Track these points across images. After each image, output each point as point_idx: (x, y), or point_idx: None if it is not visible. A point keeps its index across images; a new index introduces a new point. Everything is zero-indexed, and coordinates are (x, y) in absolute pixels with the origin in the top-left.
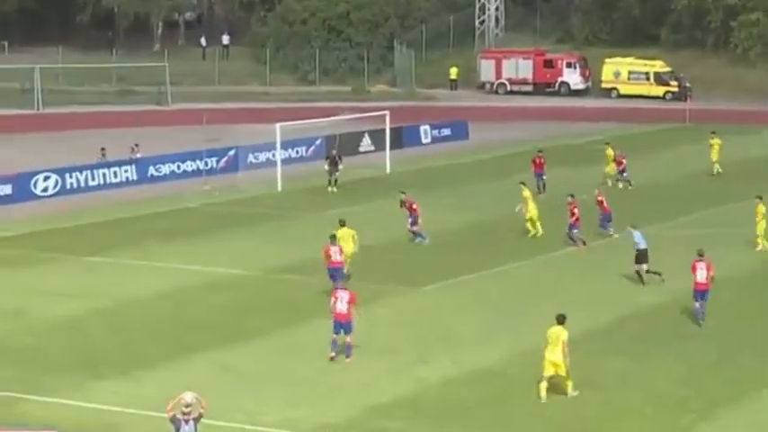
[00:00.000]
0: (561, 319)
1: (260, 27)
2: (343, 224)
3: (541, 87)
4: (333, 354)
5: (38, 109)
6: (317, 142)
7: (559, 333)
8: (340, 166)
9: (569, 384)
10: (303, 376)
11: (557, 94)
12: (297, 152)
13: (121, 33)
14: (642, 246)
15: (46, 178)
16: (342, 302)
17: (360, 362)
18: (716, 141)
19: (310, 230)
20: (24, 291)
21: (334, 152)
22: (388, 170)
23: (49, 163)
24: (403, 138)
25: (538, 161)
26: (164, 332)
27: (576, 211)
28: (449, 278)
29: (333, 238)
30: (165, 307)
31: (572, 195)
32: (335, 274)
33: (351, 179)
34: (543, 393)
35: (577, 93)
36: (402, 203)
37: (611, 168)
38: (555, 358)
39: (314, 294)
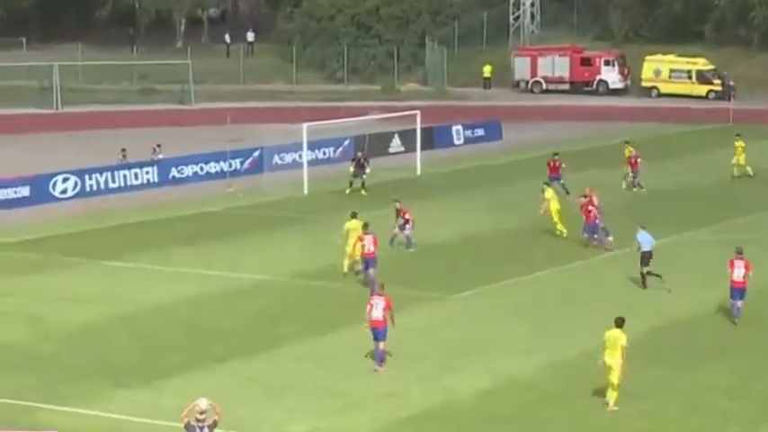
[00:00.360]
0: (620, 323)
1: (286, 23)
2: (354, 216)
3: (578, 86)
4: (383, 363)
5: (57, 108)
6: (346, 143)
7: (618, 337)
8: (367, 169)
9: (613, 396)
10: (330, 386)
11: (594, 93)
12: (324, 153)
13: (143, 30)
14: (646, 248)
15: (65, 180)
16: (377, 309)
17: (390, 371)
18: (740, 144)
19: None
20: (42, 296)
21: (360, 154)
22: (418, 172)
23: (68, 164)
24: (434, 138)
25: (553, 165)
26: (185, 340)
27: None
28: (483, 284)
29: (365, 226)
30: (187, 314)
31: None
32: (369, 263)
33: (380, 181)
34: (611, 400)
35: (616, 92)
36: (397, 213)
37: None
38: (612, 362)
39: (341, 301)
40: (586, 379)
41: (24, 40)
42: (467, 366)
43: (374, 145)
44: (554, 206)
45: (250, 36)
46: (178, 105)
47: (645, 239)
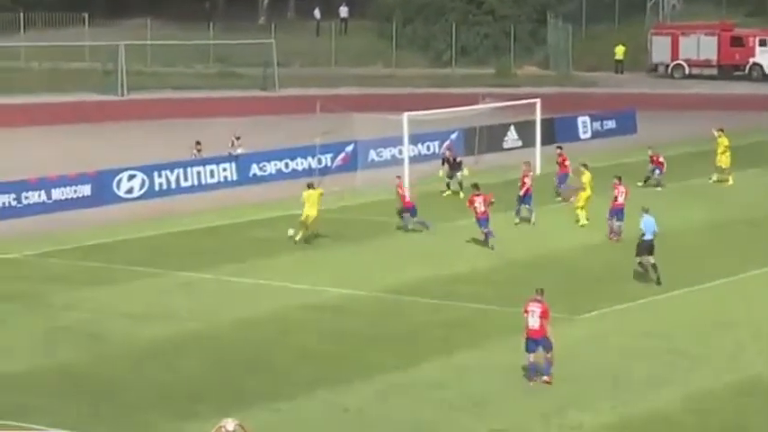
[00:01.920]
0: None
1: None
2: (310, 186)
3: (728, 70)
4: (533, 380)
5: (122, 94)
6: (453, 136)
7: None
8: (464, 169)
9: None
10: (431, 420)
11: (747, 78)
12: (428, 148)
13: (221, 4)
14: (648, 236)
15: (131, 177)
16: (534, 317)
17: (503, 403)
18: (722, 140)
19: (441, 243)
20: (105, 311)
21: (447, 153)
22: (538, 170)
23: (135, 159)
24: (557, 131)
25: (562, 160)
26: (267, 363)
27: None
28: (614, 304)
29: (475, 186)
30: (269, 333)
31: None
32: (482, 222)
33: (493, 182)
34: None
35: None
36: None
37: (722, 161)
38: None
39: (444, 320)
40: (727, 414)
41: (87, 16)
42: (592, 399)
43: (486, 139)
44: (585, 193)
45: (343, 11)
46: (260, 92)
47: (647, 226)
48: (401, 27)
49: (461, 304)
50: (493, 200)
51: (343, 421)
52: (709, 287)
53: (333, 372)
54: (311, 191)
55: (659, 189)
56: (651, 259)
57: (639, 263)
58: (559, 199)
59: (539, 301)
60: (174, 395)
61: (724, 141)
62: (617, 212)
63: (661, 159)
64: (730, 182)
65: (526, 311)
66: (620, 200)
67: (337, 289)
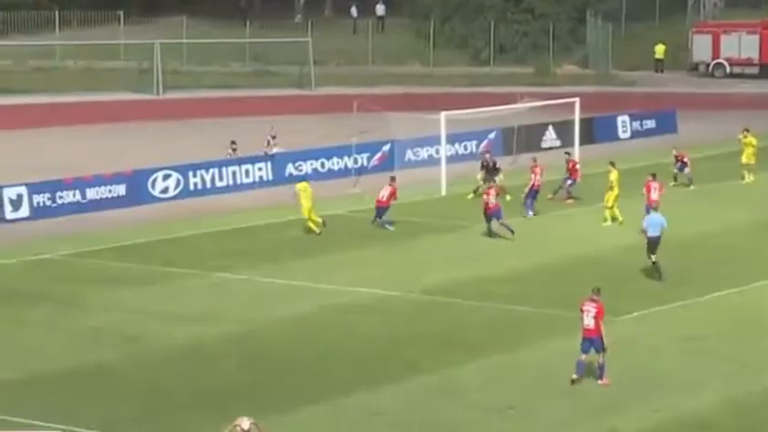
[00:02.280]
0: None
1: None
2: (303, 179)
3: None
4: (575, 376)
5: (158, 93)
6: (491, 136)
7: None
8: (501, 174)
9: None
10: (465, 423)
11: None
12: (465, 148)
13: (257, 2)
14: (651, 233)
15: (166, 177)
16: (589, 316)
17: (537, 406)
18: (749, 140)
19: (479, 244)
20: (141, 312)
21: (487, 155)
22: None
23: (170, 159)
24: (596, 131)
25: (572, 166)
26: (303, 365)
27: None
28: (652, 306)
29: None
30: (304, 335)
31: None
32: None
33: (526, 183)
34: None
35: None
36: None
37: (747, 157)
38: None
39: (480, 322)
40: (766, 419)
41: (122, 13)
42: (629, 403)
43: (525, 138)
44: (613, 193)
45: (380, 9)
46: (296, 90)
47: (651, 224)
48: (439, 25)
49: (496, 305)
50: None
51: (377, 424)
52: (749, 289)
53: (367, 373)
54: (304, 183)
55: (692, 188)
56: (653, 257)
57: (653, 261)
58: (550, 196)
59: (595, 301)
60: (210, 396)
61: (752, 141)
62: (650, 209)
63: (686, 159)
64: (751, 178)
65: (582, 310)
66: (654, 196)
67: (371, 289)
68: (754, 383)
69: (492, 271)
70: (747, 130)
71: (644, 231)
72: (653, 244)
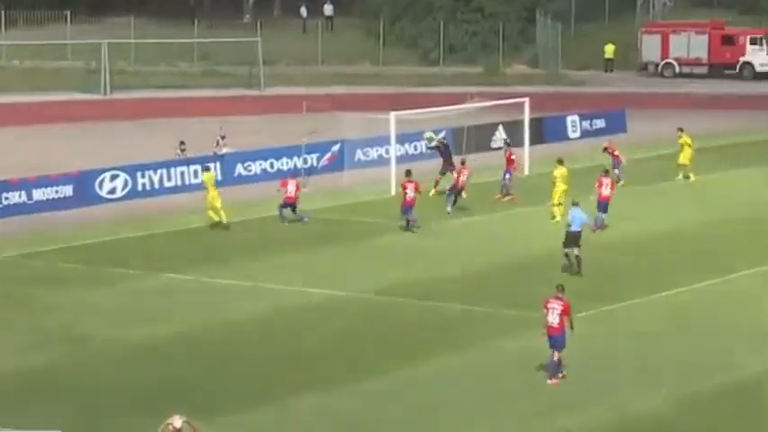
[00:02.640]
0: None
1: None
2: (207, 169)
3: (719, 69)
4: (558, 375)
5: (105, 93)
6: (440, 136)
7: None
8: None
9: None
10: (418, 423)
11: (738, 77)
12: (415, 148)
13: (206, 2)
14: (574, 228)
15: (113, 177)
16: (554, 314)
17: (490, 405)
18: (684, 140)
19: (430, 244)
20: (88, 313)
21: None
22: (526, 171)
23: (118, 159)
24: (545, 131)
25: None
26: (253, 366)
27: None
28: (602, 305)
29: (408, 173)
30: (255, 335)
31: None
32: (407, 209)
33: (480, 182)
34: None
35: (764, 76)
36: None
37: (684, 157)
38: None
39: (434, 322)
40: (723, 417)
41: (69, 13)
42: (583, 403)
43: (474, 139)
44: (561, 187)
45: (327, 9)
46: (245, 90)
47: (575, 218)
48: (389, 25)
49: (448, 305)
50: (420, 189)
51: (326, 424)
52: (699, 288)
53: (318, 374)
54: (210, 173)
55: (621, 184)
56: (576, 251)
57: (566, 254)
58: (498, 196)
59: (559, 299)
60: (158, 397)
61: (687, 141)
62: (601, 204)
63: (617, 153)
64: (692, 178)
65: (546, 308)
66: (605, 192)
67: (328, 290)
68: (704, 382)
69: (444, 271)
70: (682, 130)
71: (568, 225)
72: (573, 238)
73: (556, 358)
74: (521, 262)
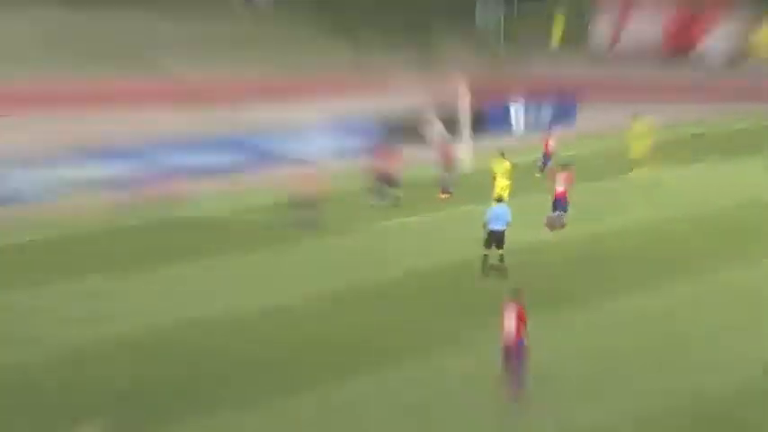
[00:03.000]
0: None
1: None
2: None
3: (675, 52)
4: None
5: None
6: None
7: None
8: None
9: None
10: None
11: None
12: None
13: None
14: (497, 227)
15: None
16: (509, 321)
17: (434, 418)
18: (640, 128)
19: (374, 246)
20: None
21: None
22: (467, 166)
23: None
24: (486, 121)
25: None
26: (184, 381)
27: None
28: (548, 312)
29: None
30: (186, 343)
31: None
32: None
33: (414, 180)
34: None
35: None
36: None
37: (637, 147)
38: None
39: (378, 327)
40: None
41: None
42: (532, 412)
43: (405, 131)
44: (502, 182)
45: None
46: None
47: (496, 215)
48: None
49: (393, 310)
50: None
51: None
52: (655, 293)
53: (274, 379)
54: None
55: (538, 176)
56: (499, 251)
57: (484, 256)
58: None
59: (515, 304)
60: (97, 402)
61: (640, 128)
62: (557, 201)
63: (551, 143)
64: (646, 172)
65: (503, 315)
66: (560, 188)
67: (261, 296)
68: (657, 393)
69: (389, 273)
70: (637, 117)
71: (485, 224)
72: (495, 238)
73: (513, 368)
74: (466, 263)
